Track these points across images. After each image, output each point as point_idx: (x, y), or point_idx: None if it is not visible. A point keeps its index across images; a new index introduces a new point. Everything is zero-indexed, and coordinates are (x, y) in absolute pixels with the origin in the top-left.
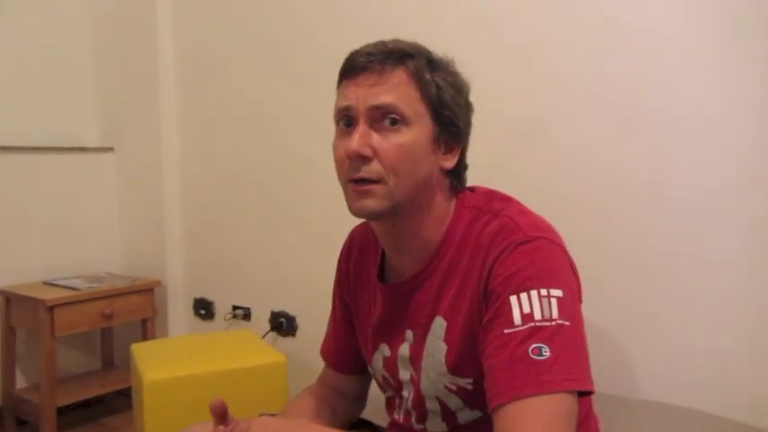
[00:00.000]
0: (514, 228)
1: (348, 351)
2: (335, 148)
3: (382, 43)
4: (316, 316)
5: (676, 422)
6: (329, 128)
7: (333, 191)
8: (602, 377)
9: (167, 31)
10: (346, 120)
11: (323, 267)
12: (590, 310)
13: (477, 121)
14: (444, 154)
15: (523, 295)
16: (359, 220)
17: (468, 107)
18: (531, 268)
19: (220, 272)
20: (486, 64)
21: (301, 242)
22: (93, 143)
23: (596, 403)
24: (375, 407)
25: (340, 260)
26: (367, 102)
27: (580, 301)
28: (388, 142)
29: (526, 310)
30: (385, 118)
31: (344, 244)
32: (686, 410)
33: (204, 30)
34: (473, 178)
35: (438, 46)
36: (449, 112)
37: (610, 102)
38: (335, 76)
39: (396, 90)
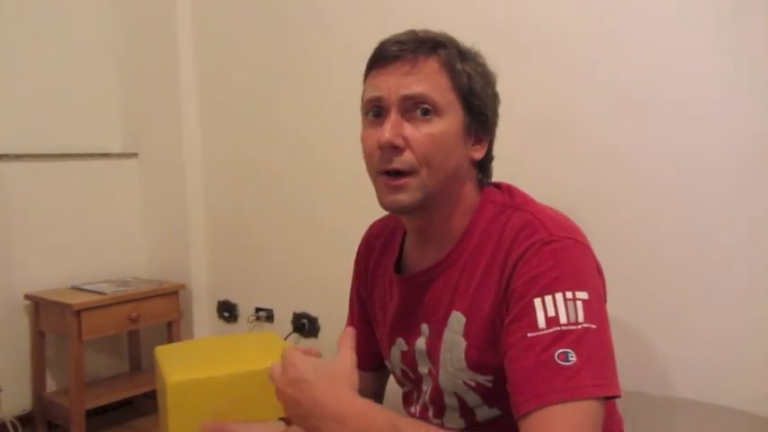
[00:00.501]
0: (539, 226)
1: (366, 347)
2: (364, 139)
3: (413, 32)
4: (337, 317)
5: (703, 419)
6: (350, 130)
7: (354, 191)
8: (626, 374)
9: (187, 38)
10: (376, 110)
11: (344, 268)
12: (614, 306)
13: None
14: (474, 145)
15: (548, 298)
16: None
17: (495, 98)
18: (557, 270)
19: (243, 274)
20: (507, 59)
21: (322, 243)
22: (117, 149)
23: (620, 401)
24: (394, 403)
25: (358, 255)
26: (399, 91)
27: (605, 301)
28: (420, 132)
29: (551, 313)
30: (417, 108)
31: (363, 238)
32: (713, 407)
33: (224, 35)
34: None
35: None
36: (479, 102)
37: (636, 99)
38: (356, 77)
39: (428, 80)
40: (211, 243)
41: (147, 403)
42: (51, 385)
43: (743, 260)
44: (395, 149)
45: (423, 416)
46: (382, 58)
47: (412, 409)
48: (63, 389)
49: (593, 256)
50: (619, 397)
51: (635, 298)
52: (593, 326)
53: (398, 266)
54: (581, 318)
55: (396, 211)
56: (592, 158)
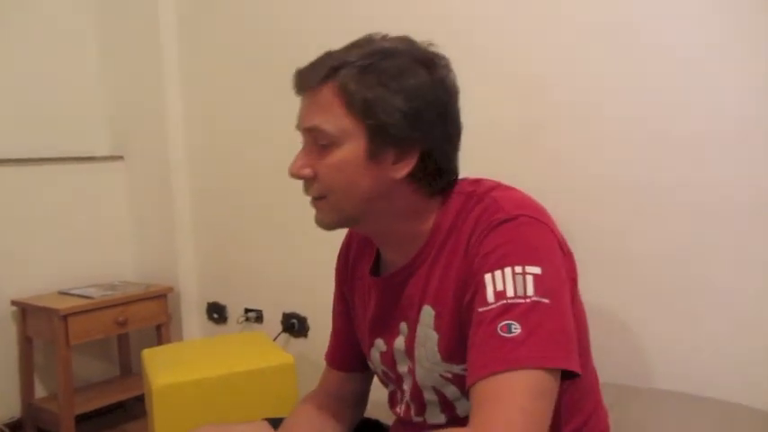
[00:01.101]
0: (497, 208)
1: (348, 348)
2: None
3: (317, 60)
4: (327, 316)
5: (689, 411)
6: None
7: None
8: (613, 367)
9: (171, 39)
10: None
11: (333, 267)
12: (600, 297)
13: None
14: (394, 164)
15: (497, 273)
16: None
17: (425, 108)
18: (509, 246)
19: (232, 276)
20: (483, 68)
21: (310, 243)
22: (103, 152)
23: (607, 394)
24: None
25: (339, 256)
26: (302, 124)
27: (572, 280)
28: (322, 163)
29: (499, 287)
30: (316, 140)
31: (344, 240)
32: (700, 399)
33: (207, 34)
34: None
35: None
36: (384, 120)
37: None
38: None
39: (322, 110)
40: (199, 245)
41: (138, 407)
42: (41, 391)
43: (734, 251)
44: (306, 179)
45: (406, 415)
46: (295, 87)
47: (397, 409)
48: (52, 394)
49: (553, 233)
50: (577, 375)
51: (620, 289)
52: (545, 300)
53: (377, 269)
54: (530, 291)
55: (322, 228)
56: (571, 154)
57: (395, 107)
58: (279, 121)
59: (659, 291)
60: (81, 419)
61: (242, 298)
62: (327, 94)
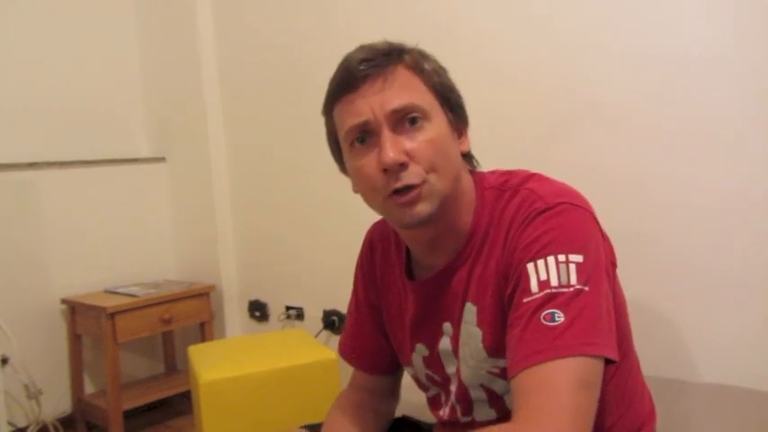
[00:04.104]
0: (535, 198)
1: (380, 352)
2: (361, 167)
3: (372, 47)
4: None
5: (739, 404)
6: None
7: None
8: (660, 361)
9: (209, 43)
10: (362, 136)
11: None
12: (643, 291)
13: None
14: (459, 138)
15: (540, 262)
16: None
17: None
18: (551, 234)
19: (273, 274)
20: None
21: (350, 240)
22: (145, 154)
23: (653, 388)
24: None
25: (362, 261)
26: (385, 108)
27: (612, 264)
28: (418, 142)
29: (543, 276)
30: (405, 119)
31: (364, 244)
32: (751, 392)
33: (245, 36)
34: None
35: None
36: (453, 95)
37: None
38: None
39: (407, 88)
40: (240, 243)
41: (183, 403)
42: (90, 387)
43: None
44: (400, 167)
45: (451, 417)
46: (351, 81)
47: (440, 413)
48: (101, 390)
49: (593, 218)
50: (615, 361)
51: (665, 282)
52: (587, 288)
53: (408, 271)
54: (573, 280)
55: (417, 225)
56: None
57: (452, 84)
58: (319, 123)
59: (702, 284)
60: (128, 415)
61: (283, 296)
62: (405, 73)
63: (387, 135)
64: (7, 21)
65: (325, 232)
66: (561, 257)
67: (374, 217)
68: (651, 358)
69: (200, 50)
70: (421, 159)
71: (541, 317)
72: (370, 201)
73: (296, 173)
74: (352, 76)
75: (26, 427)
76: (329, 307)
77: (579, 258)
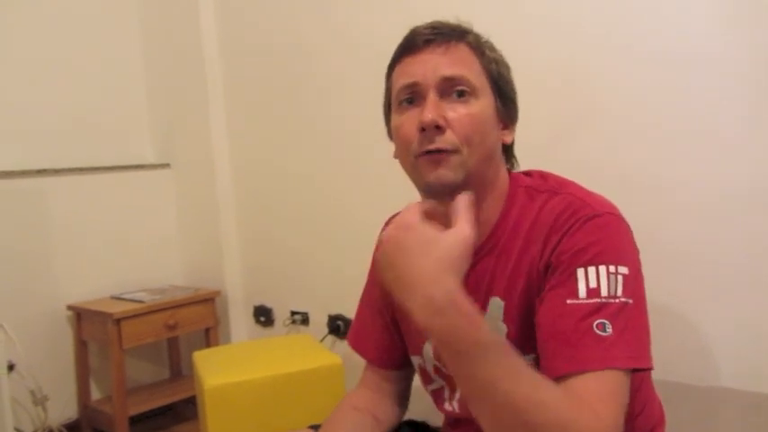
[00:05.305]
0: (582, 204)
1: (394, 346)
2: (401, 125)
3: (439, 22)
4: None
5: (748, 409)
6: (382, 128)
7: (386, 193)
8: (668, 364)
9: (213, 50)
10: (410, 97)
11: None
12: (656, 292)
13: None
14: (503, 129)
15: (591, 269)
16: None
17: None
18: (602, 243)
19: (277, 279)
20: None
21: (355, 244)
22: (150, 160)
23: (662, 391)
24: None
25: (377, 251)
26: (437, 73)
27: (642, 278)
28: (460, 113)
29: (593, 284)
30: (453, 90)
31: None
32: (759, 396)
33: (248, 43)
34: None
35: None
36: (507, 88)
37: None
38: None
39: (463, 62)
40: (245, 249)
41: (188, 409)
42: (96, 393)
43: None
44: (437, 129)
45: (462, 412)
46: (413, 45)
47: (446, 406)
48: (107, 396)
49: (631, 231)
50: (651, 369)
51: (677, 284)
52: (630, 300)
53: None
54: (620, 292)
55: (439, 189)
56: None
57: (510, 79)
58: (323, 122)
59: (721, 287)
60: (133, 421)
61: (288, 301)
62: (465, 50)
63: (432, 98)
64: (13, 30)
65: (330, 237)
66: (612, 268)
67: (380, 224)
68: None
69: (204, 57)
70: (458, 129)
71: (594, 325)
72: (403, 160)
73: (301, 178)
74: (415, 40)
75: None
76: (334, 312)
77: (626, 270)
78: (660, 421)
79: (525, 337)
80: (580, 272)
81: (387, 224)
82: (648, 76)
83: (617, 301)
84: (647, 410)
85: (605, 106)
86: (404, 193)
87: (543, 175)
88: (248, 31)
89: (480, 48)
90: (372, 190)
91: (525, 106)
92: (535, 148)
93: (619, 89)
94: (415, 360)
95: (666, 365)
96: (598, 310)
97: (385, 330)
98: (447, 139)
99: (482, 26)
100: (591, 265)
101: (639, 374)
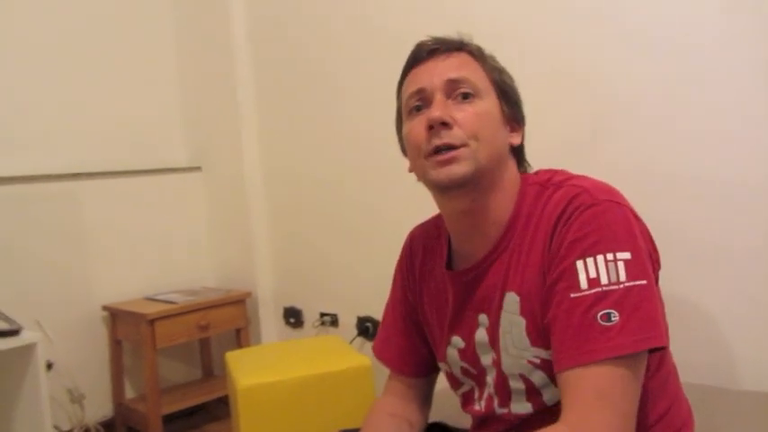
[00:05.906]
0: (581, 192)
1: (412, 351)
2: (411, 129)
3: (442, 37)
4: None
5: None
6: None
7: (414, 194)
8: (697, 368)
9: (244, 56)
10: (418, 105)
11: None
12: (681, 295)
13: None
14: (510, 131)
15: (590, 260)
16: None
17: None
18: (598, 233)
19: (307, 280)
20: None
21: (384, 247)
22: (182, 164)
23: (693, 395)
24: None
25: (402, 262)
26: (442, 76)
27: (655, 261)
28: (466, 111)
29: (592, 274)
30: (458, 92)
31: (405, 245)
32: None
33: (280, 49)
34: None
35: None
36: (511, 92)
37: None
38: None
39: (467, 66)
40: (275, 251)
41: (220, 408)
42: (130, 392)
43: None
44: (444, 126)
45: (488, 410)
46: (419, 56)
47: (475, 407)
48: (140, 395)
49: (636, 218)
50: (665, 347)
51: (704, 287)
52: (637, 283)
53: (449, 265)
54: (623, 277)
55: (450, 184)
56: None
57: (513, 86)
58: (353, 124)
59: (745, 284)
60: (166, 420)
61: (317, 302)
62: (467, 57)
63: (438, 98)
64: (50, 37)
65: (360, 239)
66: (609, 256)
67: (408, 226)
68: (687, 364)
69: (235, 63)
70: (465, 126)
71: (597, 316)
72: (414, 163)
73: (330, 181)
74: (420, 52)
75: (70, 431)
76: (363, 314)
77: (627, 256)
78: (687, 422)
79: (543, 330)
80: (579, 264)
81: (411, 232)
82: (667, 69)
83: (620, 287)
84: (677, 405)
85: (627, 106)
86: (430, 199)
87: (551, 172)
88: (280, 38)
89: (482, 56)
90: (400, 195)
91: (541, 109)
92: (555, 152)
93: (637, 85)
94: (442, 366)
95: (700, 368)
96: (601, 299)
97: (409, 337)
98: (455, 135)
99: (496, 27)
100: (588, 255)
101: (657, 354)
